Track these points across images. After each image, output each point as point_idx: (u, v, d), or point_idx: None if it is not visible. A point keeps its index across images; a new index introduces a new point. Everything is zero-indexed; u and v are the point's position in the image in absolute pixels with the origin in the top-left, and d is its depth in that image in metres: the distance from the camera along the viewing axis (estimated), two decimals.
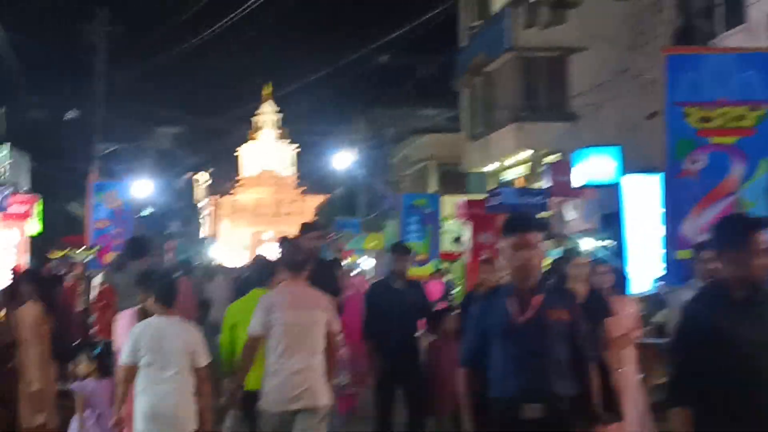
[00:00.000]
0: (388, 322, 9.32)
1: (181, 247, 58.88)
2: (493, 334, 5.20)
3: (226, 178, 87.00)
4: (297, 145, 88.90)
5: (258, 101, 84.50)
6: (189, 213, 73.06)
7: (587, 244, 21.25)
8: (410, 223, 28.56)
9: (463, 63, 34.73)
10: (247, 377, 7.11)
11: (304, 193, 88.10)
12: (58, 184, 36.29)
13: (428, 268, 27.95)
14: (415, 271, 27.16)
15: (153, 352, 6.41)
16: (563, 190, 19.44)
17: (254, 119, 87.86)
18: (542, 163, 22.32)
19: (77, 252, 26.33)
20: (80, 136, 34.79)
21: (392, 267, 9.90)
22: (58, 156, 34.48)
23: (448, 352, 8.85)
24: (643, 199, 19.29)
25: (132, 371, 6.43)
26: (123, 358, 6.49)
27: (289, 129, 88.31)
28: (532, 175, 32.10)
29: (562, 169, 19.67)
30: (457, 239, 29.60)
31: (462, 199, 26.73)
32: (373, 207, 48.46)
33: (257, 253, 16.27)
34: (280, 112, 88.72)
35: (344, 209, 53.19)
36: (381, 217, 44.78)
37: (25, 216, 20.99)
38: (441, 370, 9.39)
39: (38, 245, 26.96)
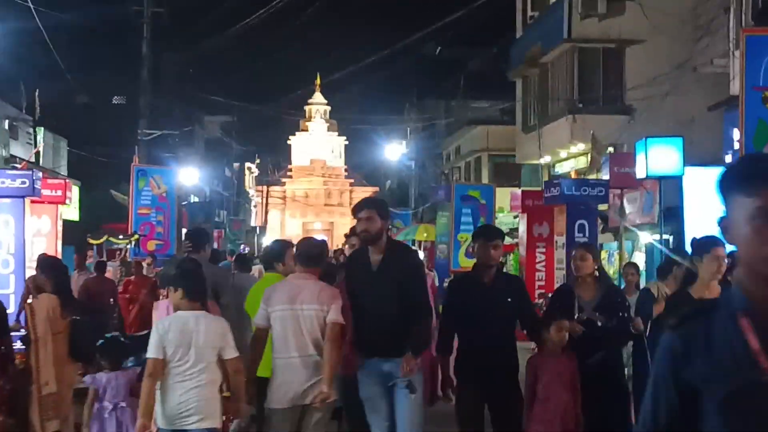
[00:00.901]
0: (473, 326, 7.42)
1: (228, 236, 59.38)
2: (719, 389, 2.47)
3: (275, 168, 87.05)
4: (345, 137, 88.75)
5: (308, 92, 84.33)
6: (238, 202, 72.84)
7: (645, 238, 20.42)
8: (463, 215, 27.85)
9: (519, 54, 33.94)
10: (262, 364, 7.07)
11: (352, 185, 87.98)
12: (99, 171, 35.82)
13: None
14: (466, 263, 26.76)
15: (178, 347, 6.20)
16: (623, 181, 18.60)
17: (305, 109, 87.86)
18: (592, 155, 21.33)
19: (118, 239, 25.78)
20: (125, 122, 34.37)
21: (479, 256, 7.65)
22: (101, 142, 34.05)
23: (553, 367, 7.40)
24: (705, 192, 18.51)
25: (158, 365, 6.21)
26: (149, 351, 6.28)
27: (339, 120, 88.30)
28: (587, 169, 31.43)
29: (621, 160, 18.83)
30: (512, 231, 28.94)
31: (516, 190, 26.01)
32: (424, 199, 47.85)
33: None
34: (329, 104, 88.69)
35: (395, 201, 52.66)
36: (432, 209, 44.26)
37: (58, 201, 20.43)
38: (544, 392, 7.58)
39: (77, 234, 26.68)
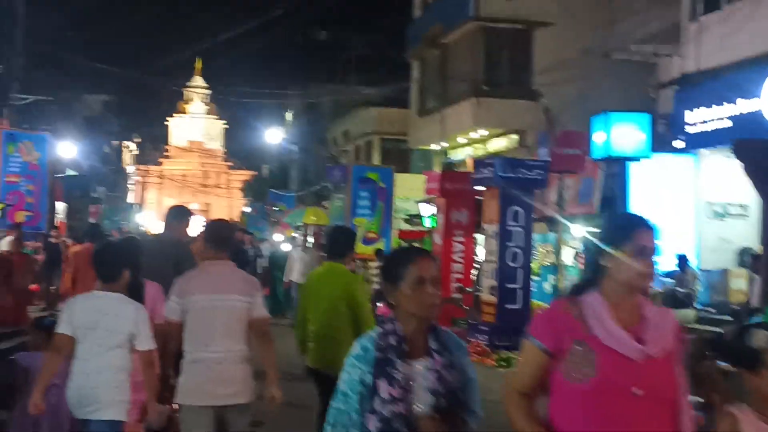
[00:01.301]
0: None
1: (106, 212, 54.71)
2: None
3: (154, 147, 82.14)
4: (225, 121, 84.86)
5: (189, 74, 79.75)
6: (116, 179, 67.93)
7: (578, 230, 17.00)
8: (360, 198, 24.19)
9: (416, 33, 30.28)
10: (309, 354, 6.73)
11: (231, 168, 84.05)
12: None
13: (378, 247, 23.72)
14: (364, 250, 23.02)
15: (85, 328, 5.41)
16: (568, 163, 15.14)
17: (184, 92, 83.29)
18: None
19: None
20: None
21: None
22: None
23: None
24: (649, 182, 15.14)
25: (64, 341, 5.43)
26: (58, 326, 5.50)
27: (219, 105, 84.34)
28: (484, 157, 28.13)
29: (569, 139, 15.37)
30: (412, 218, 25.36)
31: (433, 172, 22.37)
32: (307, 183, 43.86)
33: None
34: (209, 88, 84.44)
35: (275, 184, 48.53)
36: (316, 193, 40.47)
37: None
38: None
39: None
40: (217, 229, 6.03)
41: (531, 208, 15.21)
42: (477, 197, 17.97)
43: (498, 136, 26.68)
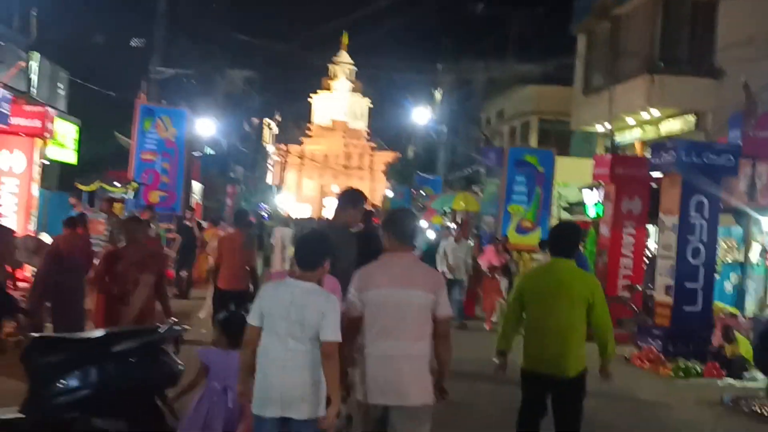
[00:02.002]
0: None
1: (244, 193, 55.54)
2: None
3: (295, 126, 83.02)
4: (370, 100, 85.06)
5: (334, 50, 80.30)
6: (255, 159, 69.02)
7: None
8: (516, 183, 23.42)
9: (585, 4, 29.15)
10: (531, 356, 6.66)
11: (374, 149, 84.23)
12: (104, 111, 31.37)
13: (534, 238, 22.89)
14: (518, 240, 22.30)
15: (275, 318, 5.39)
16: (762, 148, 14.01)
17: (329, 68, 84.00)
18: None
19: (113, 186, 21.52)
20: (138, 62, 29.93)
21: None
22: (108, 81, 29.48)
23: None
24: None
25: (255, 333, 5.45)
26: (249, 317, 5.51)
27: (364, 82, 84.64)
28: (656, 140, 26.87)
29: (762, 121, 14.22)
30: (573, 206, 24.49)
31: (603, 155, 21.46)
32: (456, 166, 43.23)
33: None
34: (355, 64, 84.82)
35: (421, 167, 48.09)
36: (465, 178, 39.87)
37: (35, 133, 16.17)
38: None
39: (72, 178, 22.50)
40: (401, 219, 5.93)
41: (717, 199, 14.16)
42: (652, 184, 17.00)
43: (672, 117, 25.36)
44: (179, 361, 6.87)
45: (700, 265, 14.15)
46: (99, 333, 7.07)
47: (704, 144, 14.60)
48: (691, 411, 10.62)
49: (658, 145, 15.13)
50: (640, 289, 16.53)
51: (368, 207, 8.19)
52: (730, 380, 12.52)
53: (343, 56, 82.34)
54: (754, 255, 15.99)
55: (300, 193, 77.92)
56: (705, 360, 13.22)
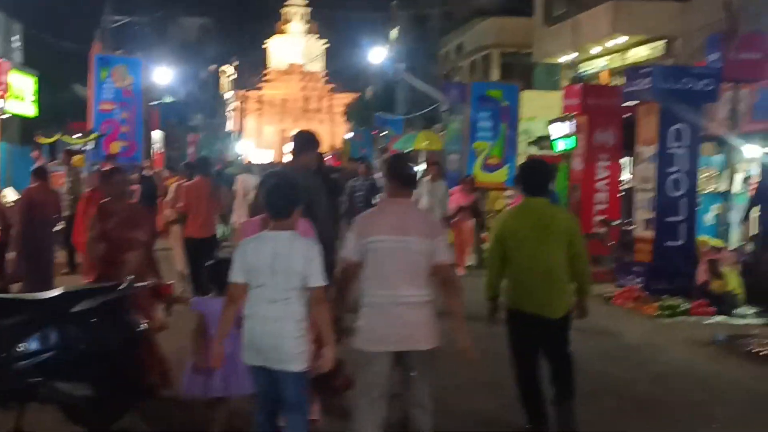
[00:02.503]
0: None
1: (205, 141, 54.35)
2: None
3: (252, 72, 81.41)
4: (326, 41, 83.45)
5: None
6: (214, 106, 67.69)
7: (753, 151, 15.00)
8: (480, 119, 22.42)
9: None
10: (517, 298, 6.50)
11: (332, 90, 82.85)
12: (61, 64, 30.47)
13: (501, 175, 22.05)
14: (484, 178, 21.39)
15: (260, 272, 5.27)
16: (744, 71, 13.12)
17: (283, 11, 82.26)
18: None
19: (73, 138, 20.85)
20: (91, 9, 28.88)
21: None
22: (66, 34, 28.37)
23: None
24: None
25: (239, 290, 5.35)
26: (231, 275, 5.36)
27: (319, 23, 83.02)
28: (622, 69, 26.00)
29: (744, 42, 13.30)
30: (540, 141, 23.56)
31: (574, 85, 20.48)
32: (416, 105, 42.14)
33: None
34: (309, 5, 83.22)
35: (381, 108, 46.96)
36: (426, 116, 38.88)
37: None
38: None
39: (33, 132, 21.90)
40: (401, 165, 5.82)
41: (698, 126, 13.31)
42: (625, 115, 16.13)
43: (639, 44, 24.53)
44: (142, 320, 6.59)
45: (681, 197, 13.34)
46: (56, 293, 6.60)
47: (682, 68, 13.73)
48: (683, 352, 9.85)
49: (632, 72, 14.21)
50: (617, 224, 15.69)
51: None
52: (720, 318, 11.76)
53: None
54: (737, 184, 15.21)
55: (260, 138, 76.53)
56: (690, 297, 12.48)
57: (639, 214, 13.88)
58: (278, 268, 5.24)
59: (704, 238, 13.80)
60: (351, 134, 53.85)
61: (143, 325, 6.57)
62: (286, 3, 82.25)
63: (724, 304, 12.14)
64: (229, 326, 5.41)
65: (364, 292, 5.52)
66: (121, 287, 6.53)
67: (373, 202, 17.77)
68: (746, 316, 11.91)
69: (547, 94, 28.29)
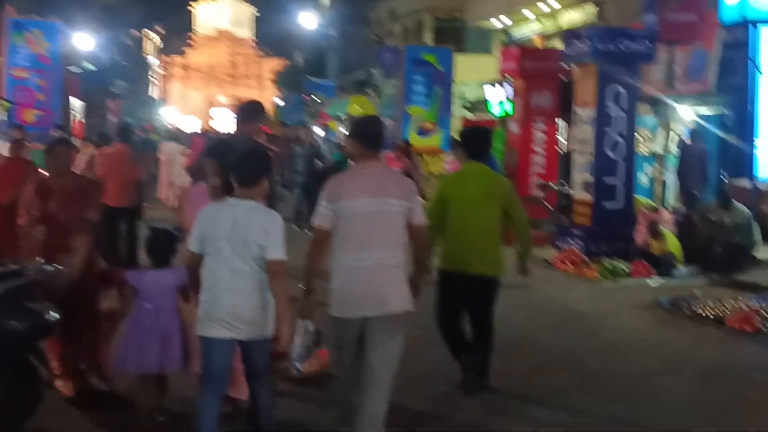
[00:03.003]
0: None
1: (127, 108, 53.29)
2: None
3: (178, 37, 79.88)
4: (256, 8, 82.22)
5: None
6: (136, 72, 66.29)
7: (687, 113, 15.10)
8: (415, 83, 22.32)
9: None
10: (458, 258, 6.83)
11: (261, 57, 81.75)
12: None
13: (436, 140, 22.01)
14: (419, 143, 21.26)
15: (218, 240, 5.20)
16: (679, 32, 13.12)
17: None
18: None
19: None
20: None
21: None
22: None
23: None
24: None
25: (195, 260, 5.30)
26: (189, 243, 5.34)
27: None
28: (555, 34, 26.00)
29: (679, 3, 13.30)
30: (474, 105, 23.57)
31: (510, 48, 20.36)
32: (347, 70, 41.78)
33: None
34: None
35: (312, 74, 46.45)
36: (357, 83, 38.56)
37: None
38: None
39: None
40: (368, 125, 5.74)
41: (635, 88, 13.31)
42: (562, 77, 16.12)
43: (571, 8, 24.50)
44: (53, 309, 5.91)
45: (619, 159, 13.35)
46: None
47: (619, 30, 13.63)
48: (630, 319, 9.84)
49: (570, 34, 14.15)
50: (555, 187, 15.70)
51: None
52: (662, 279, 11.81)
53: None
54: (670, 145, 15.31)
55: (186, 105, 75.35)
56: (630, 259, 12.53)
57: (577, 177, 13.86)
58: (236, 237, 5.16)
59: (642, 200, 13.87)
60: (281, 101, 53.33)
61: (52, 314, 5.93)
62: None
63: (663, 265, 12.20)
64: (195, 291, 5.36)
65: (337, 256, 5.39)
66: (26, 271, 6.01)
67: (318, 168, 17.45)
68: (685, 276, 11.98)
69: (480, 58, 28.21)
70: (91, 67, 44.62)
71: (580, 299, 10.79)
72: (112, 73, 54.55)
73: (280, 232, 5.21)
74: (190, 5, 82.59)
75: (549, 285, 11.46)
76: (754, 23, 11.27)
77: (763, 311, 9.16)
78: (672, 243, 12.42)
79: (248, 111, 7.01)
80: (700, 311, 9.49)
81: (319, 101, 37.55)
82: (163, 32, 77.36)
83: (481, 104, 22.50)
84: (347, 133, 5.98)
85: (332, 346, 5.52)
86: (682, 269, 12.18)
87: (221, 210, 5.27)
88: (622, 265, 12.15)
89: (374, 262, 5.34)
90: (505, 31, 28.78)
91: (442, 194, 6.91)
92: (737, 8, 11.34)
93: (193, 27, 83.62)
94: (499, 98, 20.55)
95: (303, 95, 42.11)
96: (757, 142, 13.90)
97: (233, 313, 5.11)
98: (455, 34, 31.11)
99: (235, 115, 7.24)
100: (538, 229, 15.48)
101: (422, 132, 22.15)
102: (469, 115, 23.34)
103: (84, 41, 41.31)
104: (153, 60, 75.65)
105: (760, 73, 11.57)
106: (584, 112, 13.61)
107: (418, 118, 22.24)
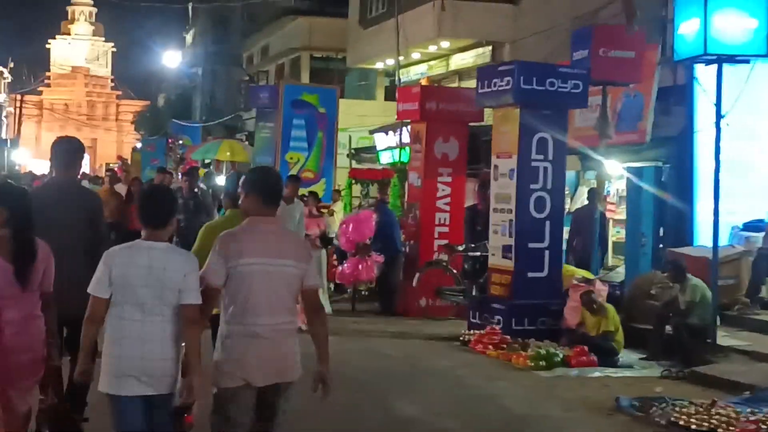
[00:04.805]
0: None
1: None
2: None
3: (32, 74, 76.08)
4: (113, 44, 79.31)
5: None
6: None
7: (614, 168, 13.36)
8: (294, 126, 20.06)
9: None
10: None
11: (120, 97, 78.64)
12: None
13: (318, 189, 19.76)
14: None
15: (131, 286, 4.95)
16: (616, 71, 11.29)
17: (69, 9, 77.36)
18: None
19: None
20: None
21: None
22: None
23: None
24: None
25: (102, 307, 4.96)
26: (93, 287, 4.98)
27: (107, 25, 78.77)
28: (445, 77, 24.33)
29: (612, 36, 11.45)
30: (358, 153, 21.57)
31: (411, 87, 18.36)
32: (214, 113, 39.37)
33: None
34: (95, 5, 78.75)
35: (175, 116, 43.79)
36: (224, 126, 36.26)
37: None
38: None
39: None
40: (269, 179, 5.36)
41: (564, 136, 11.45)
42: (471, 123, 14.22)
43: (463, 50, 22.89)
44: None
45: (545, 219, 11.44)
46: None
47: (548, 66, 11.76)
48: (589, 424, 7.76)
49: (488, 70, 12.24)
50: (460, 250, 13.63)
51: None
52: (607, 370, 9.82)
53: None
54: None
55: (39, 147, 71.31)
56: (561, 341, 10.57)
57: (495, 240, 11.84)
58: (152, 282, 4.92)
59: (570, 268, 11.93)
60: (140, 144, 50.41)
61: None
62: (72, 2, 77.47)
63: (602, 349, 10.27)
64: (90, 345, 5.02)
65: (228, 320, 5.08)
66: None
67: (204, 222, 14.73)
68: (633, 366, 10.06)
69: (363, 103, 26.31)
70: None
71: (515, 396, 8.67)
72: None
73: (197, 275, 4.98)
74: (47, 42, 78.96)
75: (471, 374, 9.38)
76: (715, 61, 9.56)
77: (763, 422, 7.24)
78: (614, 321, 10.49)
79: (73, 150, 6.63)
80: (681, 421, 7.46)
81: (184, 145, 34.96)
82: (15, 68, 73.37)
83: (371, 152, 20.46)
84: (242, 187, 5.31)
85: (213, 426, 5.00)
86: (626, 356, 10.26)
87: (135, 253, 4.97)
88: (556, 351, 10.13)
89: (274, 328, 5.07)
90: (388, 72, 27.01)
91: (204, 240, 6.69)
92: (694, 43, 9.60)
93: (48, 64, 79.93)
94: (387, 145, 18.55)
95: (167, 139, 39.47)
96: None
97: (147, 367, 4.84)
98: (335, 76, 29.15)
99: (56, 156, 6.56)
100: (443, 300, 13.50)
101: (302, 182, 19.93)
102: (355, 164, 21.26)
103: None
104: (3, 98, 71.48)
105: (722, 117, 9.85)
106: (504, 162, 11.64)
107: (297, 165, 20.03)
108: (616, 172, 13.11)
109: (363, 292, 14.80)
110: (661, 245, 12.73)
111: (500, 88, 11.53)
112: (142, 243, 4.98)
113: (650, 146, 12.55)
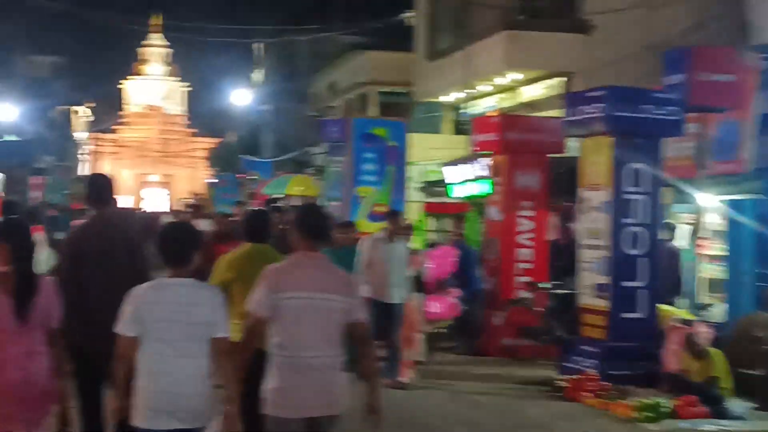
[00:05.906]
0: None
1: (53, 184, 49.73)
2: None
3: (109, 114, 76.67)
4: (188, 84, 79.66)
5: (146, 33, 74.38)
6: (66, 147, 63.16)
7: (709, 200, 12.07)
8: (365, 161, 19.12)
9: None
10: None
11: (194, 134, 78.85)
12: None
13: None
14: (369, 227, 17.98)
15: (162, 323, 4.84)
16: (715, 95, 10.13)
17: (141, 51, 77.83)
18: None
19: None
20: None
21: None
22: None
23: None
24: None
25: (130, 345, 4.88)
26: (121, 327, 4.93)
27: (180, 64, 79.09)
28: (515, 110, 23.20)
29: (714, 57, 10.28)
30: (430, 186, 20.49)
31: (489, 117, 17.23)
32: (283, 148, 38.73)
33: None
34: (170, 47, 79.16)
35: (246, 152, 43.36)
36: (295, 161, 35.57)
37: None
38: None
39: None
40: (310, 218, 5.41)
41: (660, 166, 10.26)
42: (551, 155, 13.07)
43: (534, 81, 21.74)
44: None
45: (640, 256, 10.24)
46: None
47: (640, 91, 10.58)
48: None
49: (575, 97, 11.10)
50: (544, 287, 12.43)
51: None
52: (722, 422, 8.56)
53: (155, 39, 76.28)
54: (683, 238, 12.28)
55: (117, 183, 71.64)
56: (662, 387, 9.35)
57: (587, 278, 10.66)
58: (184, 318, 4.83)
59: (667, 309, 10.68)
60: (214, 180, 50.21)
61: None
62: (144, 43, 78.05)
63: (708, 397, 9.02)
64: (126, 384, 4.82)
65: (275, 352, 5.10)
66: None
67: None
68: (747, 416, 8.79)
69: (430, 137, 25.30)
70: (13, 138, 41.72)
71: None
72: (38, 147, 51.60)
73: (225, 308, 4.96)
74: (121, 82, 79.51)
75: (573, 428, 8.19)
76: None
77: None
78: (721, 367, 9.24)
79: (108, 185, 6.72)
80: None
81: (256, 180, 34.33)
82: (94, 108, 73.98)
83: (441, 186, 19.33)
84: (291, 224, 5.49)
85: None
86: (737, 405, 8.98)
87: (163, 290, 4.91)
88: (663, 400, 8.90)
89: (320, 361, 5.06)
90: (455, 107, 25.95)
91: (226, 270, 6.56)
92: None
93: (124, 103, 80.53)
94: (461, 178, 17.41)
95: (237, 174, 38.97)
96: None
97: (181, 403, 4.74)
98: (402, 110, 28.19)
99: (89, 192, 6.61)
100: (526, 340, 12.32)
101: (374, 217, 18.86)
102: (427, 198, 20.20)
103: (6, 111, 38.46)
104: (81, 136, 72.06)
105: None
106: (595, 195, 10.49)
107: (369, 199, 19.01)
108: (710, 205, 11.83)
109: (440, 330, 13.68)
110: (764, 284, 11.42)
111: (590, 115, 10.41)
112: (167, 280, 4.92)
113: (750, 177, 11.29)
